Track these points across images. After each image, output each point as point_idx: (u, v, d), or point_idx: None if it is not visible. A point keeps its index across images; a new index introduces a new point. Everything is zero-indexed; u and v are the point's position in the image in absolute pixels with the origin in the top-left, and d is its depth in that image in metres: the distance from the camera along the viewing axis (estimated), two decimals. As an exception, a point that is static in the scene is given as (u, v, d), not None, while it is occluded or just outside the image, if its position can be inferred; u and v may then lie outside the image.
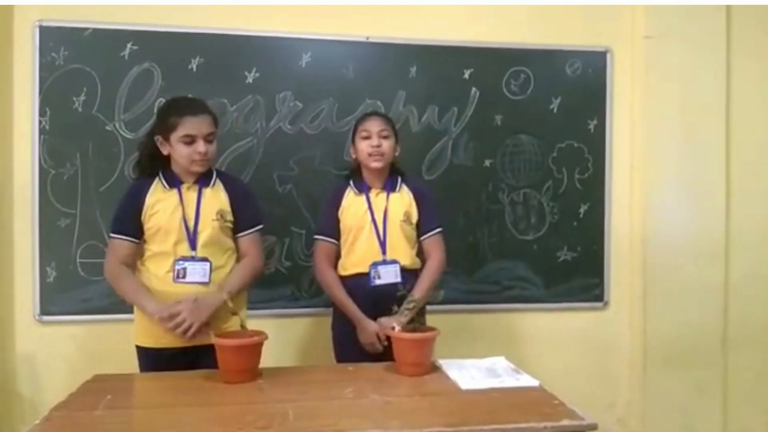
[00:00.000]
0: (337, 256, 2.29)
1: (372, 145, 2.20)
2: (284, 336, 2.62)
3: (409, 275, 2.22)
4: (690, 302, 2.86)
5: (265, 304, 2.60)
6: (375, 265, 2.20)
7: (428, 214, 2.30)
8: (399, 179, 2.30)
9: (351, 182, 2.29)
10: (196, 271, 2.00)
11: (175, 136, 1.97)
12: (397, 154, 2.28)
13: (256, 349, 1.80)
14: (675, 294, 2.86)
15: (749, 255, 2.95)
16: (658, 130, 2.87)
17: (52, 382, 2.53)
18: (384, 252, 2.21)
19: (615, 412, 2.95)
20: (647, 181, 2.88)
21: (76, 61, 2.54)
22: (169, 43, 2.59)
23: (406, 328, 1.87)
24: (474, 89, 2.80)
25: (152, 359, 2.01)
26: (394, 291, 2.04)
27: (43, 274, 2.54)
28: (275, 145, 2.67)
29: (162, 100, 2.56)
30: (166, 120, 1.99)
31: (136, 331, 2.06)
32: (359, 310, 2.18)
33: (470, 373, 1.81)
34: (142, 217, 2.02)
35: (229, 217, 2.09)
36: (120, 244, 2.03)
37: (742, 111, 2.93)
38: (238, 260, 2.12)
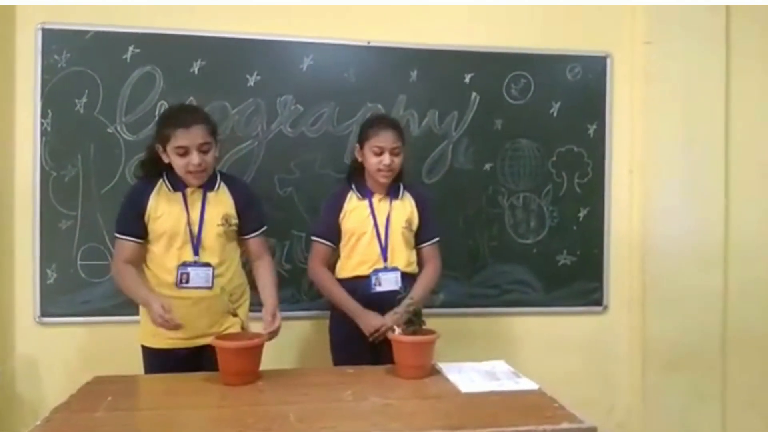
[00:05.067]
0: (334, 259, 2.29)
1: (384, 163, 2.17)
2: (284, 338, 2.58)
3: (409, 280, 2.22)
4: (689, 307, 2.86)
5: (265, 307, 2.60)
6: (376, 272, 2.20)
7: (428, 223, 2.31)
8: (401, 186, 2.29)
9: (353, 187, 2.28)
10: (199, 276, 2.01)
11: (170, 147, 1.98)
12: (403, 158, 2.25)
13: (256, 352, 1.81)
14: (674, 298, 2.86)
15: (748, 259, 2.95)
16: (657, 134, 2.87)
17: (53, 384, 2.53)
18: (385, 258, 2.21)
19: (614, 417, 2.94)
20: (647, 185, 2.88)
21: (78, 64, 2.54)
22: (170, 46, 2.60)
23: (406, 331, 1.88)
24: (474, 93, 2.81)
25: (158, 360, 2.01)
26: (393, 297, 2.06)
27: (43, 276, 2.53)
28: (276, 148, 2.67)
29: (163, 103, 2.57)
30: (162, 131, 2.00)
31: (143, 332, 2.06)
32: (359, 304, 2.16)
33: (470, 376, 1.81)
34: (145, 219, 2.02)
35: (234, 221, 2.09)
36: (125, 245, 2.03)
37: (741, 117, 2.93)
38: (244, 265, 2.14)
